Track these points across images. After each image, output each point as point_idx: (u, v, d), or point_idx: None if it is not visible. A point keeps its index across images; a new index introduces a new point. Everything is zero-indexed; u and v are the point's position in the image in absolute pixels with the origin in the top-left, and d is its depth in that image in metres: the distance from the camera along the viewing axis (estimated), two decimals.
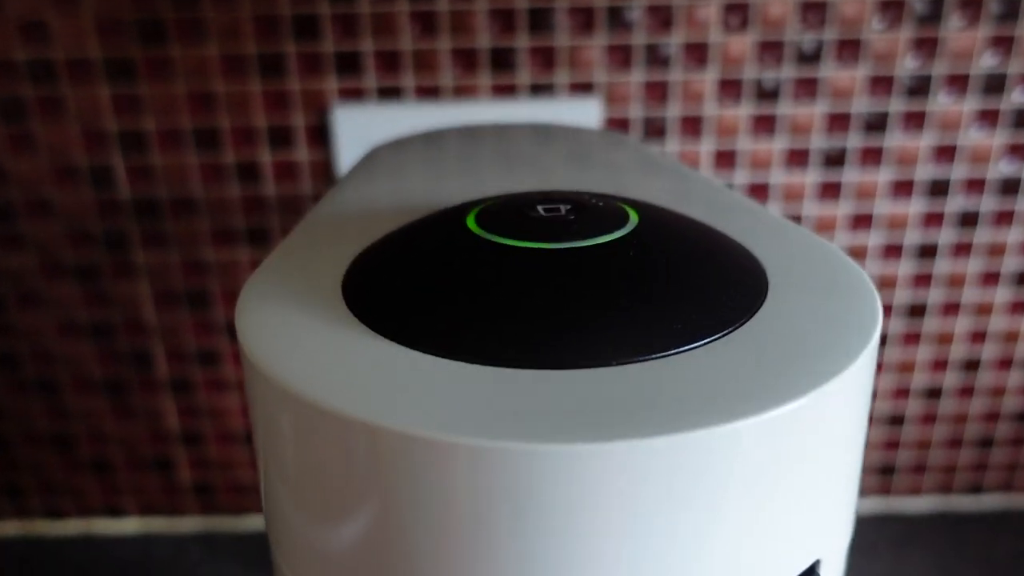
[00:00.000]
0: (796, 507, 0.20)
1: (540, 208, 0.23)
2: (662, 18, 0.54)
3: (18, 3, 0.52)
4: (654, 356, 0.19)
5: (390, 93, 0.55)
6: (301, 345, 0.19)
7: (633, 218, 0.23)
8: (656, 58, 0.55)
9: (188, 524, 0.69)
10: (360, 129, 0.56)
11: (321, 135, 0.56)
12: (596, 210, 0.23)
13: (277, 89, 0.55)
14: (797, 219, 0.59)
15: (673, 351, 0.19)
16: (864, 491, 0.69)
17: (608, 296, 0.20)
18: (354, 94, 0.55)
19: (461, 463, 0.17)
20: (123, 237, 0.59)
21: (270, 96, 0.55)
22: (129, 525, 0.69)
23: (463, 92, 0.55)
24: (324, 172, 0.57)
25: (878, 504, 0.69)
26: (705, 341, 0.20)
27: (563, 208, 0.23)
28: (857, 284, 0.23)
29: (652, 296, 0.20)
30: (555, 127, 0.45)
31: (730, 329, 0.20)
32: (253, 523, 0.69)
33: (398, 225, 0.26)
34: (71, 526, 0.69)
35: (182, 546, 0.67)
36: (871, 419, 0.66)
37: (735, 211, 0.29)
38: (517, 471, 0.17)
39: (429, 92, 0.55)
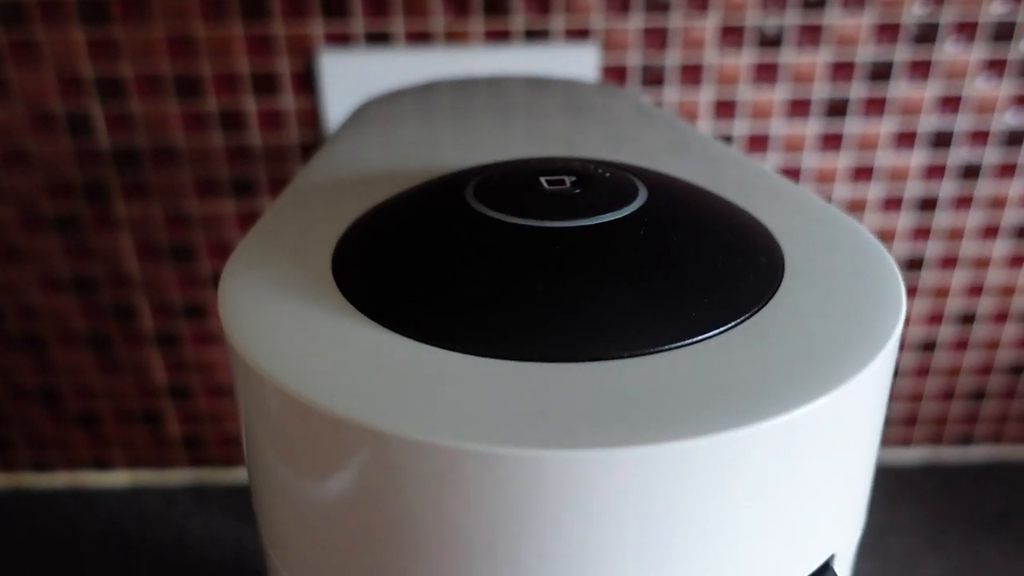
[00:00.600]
0: (811, 506, 0.19)
1: (543, 180, 0.22)
2: None
3: None
4: (666, 348, 0.18)
5: (379, 38, 0.53)
6: (291, 336, 0.18)
7: (642, 192, 0.22)
8: (656, 3, 0.52)
9: (177, 476, 0.68)
10: (348, 76, 0.53)
11: (307, 82, 0.54)
12: (603, 182, 0.22)
13: (260, 33, 0.52)
14: (797, 170, 0.58)
15: (685, 342, 0.18)
16: None
17: (617, 282, 0.19)
18: (341, 39, 0.53)
19: (465, 468, 0.16)
20: (103, 188, 0.57)
21: (253, 41, 0.53)
22: (118, 478, 0.68)
23: (455, 38, 0.53)
24: (311, 121, 0.55)
25: None
26: (719, 330, 0.19)
27: (568, 180, 0.22)
28: (879, 267, 0.21)
29: (663, 281, 0.19)
30: (552, 81, 0.43)
31: (745, 317, 0.19)
32: (243, 475, 0.68)
33: (391, 194, 0.25)
34: (59, 479, 0.68)
35: (172, 498, 0.67)
36: None
37: (745, 179, 0.27)
38: (523, 477, 0.16)
39: (419, 38, 0.53)
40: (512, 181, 0.22)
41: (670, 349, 0.18)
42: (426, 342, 0.18)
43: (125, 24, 0.52)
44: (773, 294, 0.20)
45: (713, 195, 0.24)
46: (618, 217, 0.20)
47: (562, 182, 0.22)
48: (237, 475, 0.68)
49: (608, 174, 0.23)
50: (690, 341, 0.18)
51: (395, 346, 0.18)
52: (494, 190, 0.22)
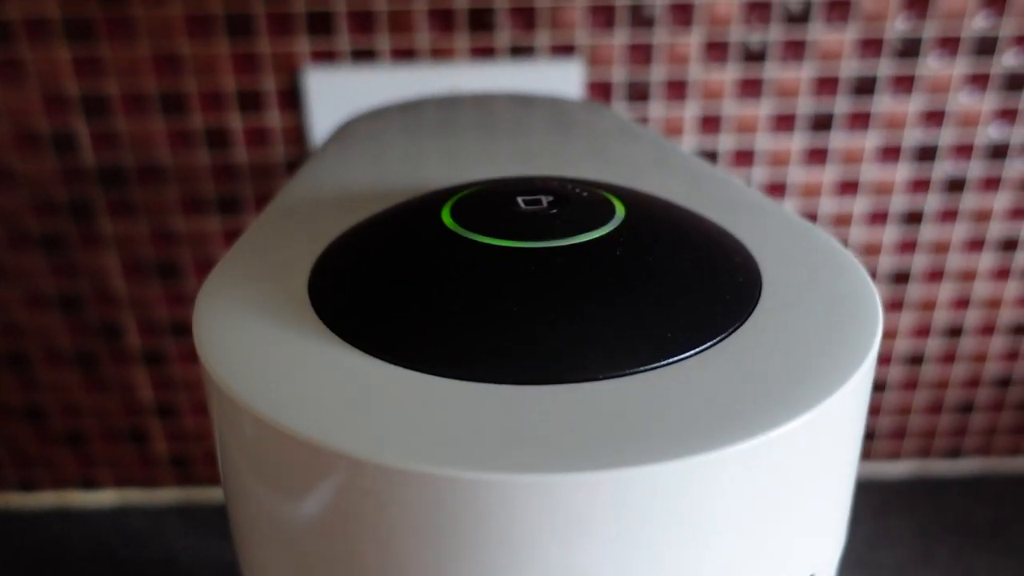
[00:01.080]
0: (790, 526, 0.19)
1: (520, 200, 0.22)
2: None
3: None
4: (641, 370, 0.18)
5: (364, 55, 0.53)
6: (265, 360, 0.18)
7: (619, 211, 0.22)
8: (640, 19, 0.53)
9: (165, 496, 0.68)
10: (333, 93, 0.54)
11: (293, 99, 0.54)
12: (580, 202, 0.22)
13: (246, 51, 0.53)
14: (782, 185, 0.58)
15: (661, 363, 0.18)
16: None
17: (592, 303, 0.19)
18: (326, 56, 0.53)
19: (440, 493, 0.16)
20: (89, 206, 0.57)
21: (239, 58, 0.53)
22: (105, 497, 0.68)
23: (440, 55, 0.53)
24: (297, 138, 0.55)
25: (858, 469, 0.70)
26: (695, 351, 0.18)
27: (545, 200, 0.22)
28: (856, 285, 0.22)
29: (639, 301, 0.19)
30: (537, 98, 0.43)
31: (722, 337, 0.19)
32: None
33: (371, 214, 0.25)
34: (45, 499, 0.67)
35: (159, 518, 0.66)
36: None
37: (726, 197, 0.27)
38: (499, 501, 0.16)
39: (405, 55, 0.53)
40: (489, 201, 0.22)
41: (645, 371, 0.18)
42: (402, 365, 0.18)
43: (110, 42, 0.52)
44: (750, 314, 0.20)
45: (691, 213, 0.24)
46: (594, 237, 0.20)
47: (539, 202, 0.22)
48: (221, 493, 0.68)
49: (585, 193, 0.23)
50: (665, 363, 0.18)
51: (371, 370, 0.18)
52: (471, 210, 0.22)
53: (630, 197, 0.23)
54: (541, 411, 0.17)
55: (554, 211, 0.21)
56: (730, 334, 0.19)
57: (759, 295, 0.21)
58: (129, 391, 0.63)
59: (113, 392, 0.63)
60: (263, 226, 0.25)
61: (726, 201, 0.27)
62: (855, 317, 0.20)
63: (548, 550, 0.16)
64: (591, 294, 0.19)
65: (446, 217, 0.21)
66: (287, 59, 0.53)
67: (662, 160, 0.32)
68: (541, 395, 0.17)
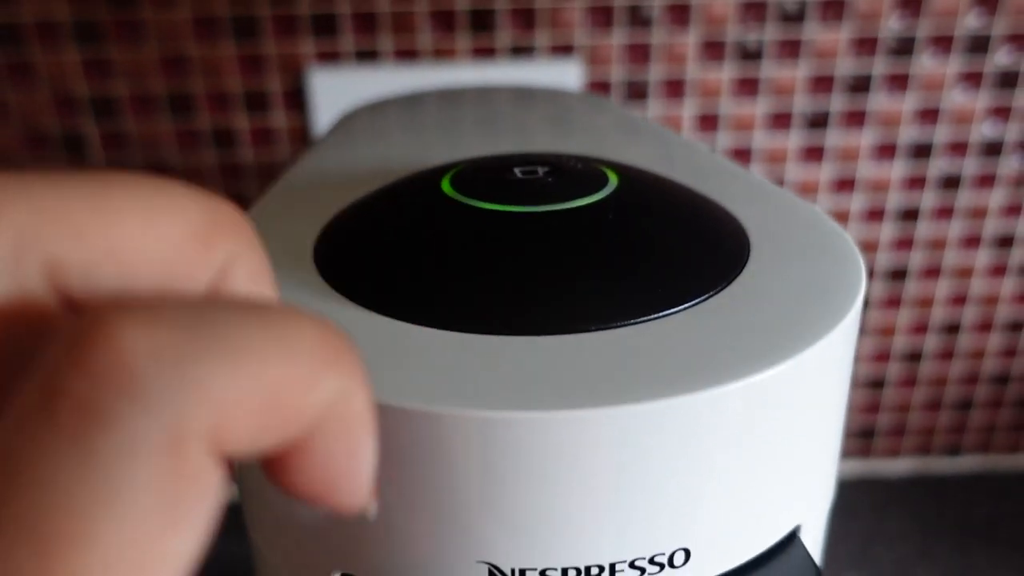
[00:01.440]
0: (777, 473, 0.19)
1: (517, 171, 0.23)
2: None
3: None
4: (635, 321, 0.19)
5: (368, 56, 0.54)
6: None
7: (613, 180, 0.22)
8: (638, 19, 0.54)
9: None
10: (338, 93, 0.55)
11: (298, 100, 0.55)
12: (575, 172, 0.23)
13: (252, 52, 0.54)
14: (780, 183, 0.59)
15: (654, 316, 0.19)
16: (844, 453, 0.70)
17: (587, 261, 0.20)
18: (331, 57, 0.54)
19: (446, 432, 0.17)
20: None
21: (245, 60, 0.54)
22: None
23: (442, 55, 0.54)
24: (302, 138, 0.56)
25: (858, 466, 0.70)
26: (686, 305, 0.19)
27: (541, 170, 0.23)
28: (840, 247, 0.22)
29: (632, 260, 0.20)
30: (536, 89, 0.44)
31: (711, 293, 0.20)
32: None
33: (372, 189, 0.26)
34: None
35: None
36: (852, 383, 0.67)
37: (716, 173, 0.28)
38: (503, 439, 0.17)
39: (407, 55, 0.54)
40: (487, 172, 0.23)
41: (641, 322, 0.19)
42: (404, 320, 0.19)
43: (119, 44, 0.53)
44: (738, 273, 0.21)
45: (680, 184, 0.25)
46: (588, 202, 0.21)
47: (535, 172, 0.23)
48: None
49: (580, 165, 0.23)
50: (660, 314, 0.19)
51: (373, 324, 0.19)
52: (469, 180, 0.22)
53: (623, 169, 0.24)
54: (543, 358, 0.18)
55: (549, 180, 0.22)
56: (719, 291, 0.20)
57: (748, 255, 0.22)
58: None
59: None
60: (268, 202, 0.26)
61: (713, 174, 0.28)
62: (839, 275, 0.21)
63: (549, 484, 0.17)
64: (585, 254, 0.20)
65: (446, 186, 0.22)
66: (292, 60, 0.54)
67: (655, 140, 0.33)
68: (543, 344, 0.18)
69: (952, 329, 0.65)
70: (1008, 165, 0.59)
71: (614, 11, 0.53)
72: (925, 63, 0.56)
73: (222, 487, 0.12)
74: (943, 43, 0.55)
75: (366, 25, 0.53)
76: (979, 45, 0.55)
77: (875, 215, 0.60)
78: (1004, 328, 0.64)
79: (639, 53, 0.55)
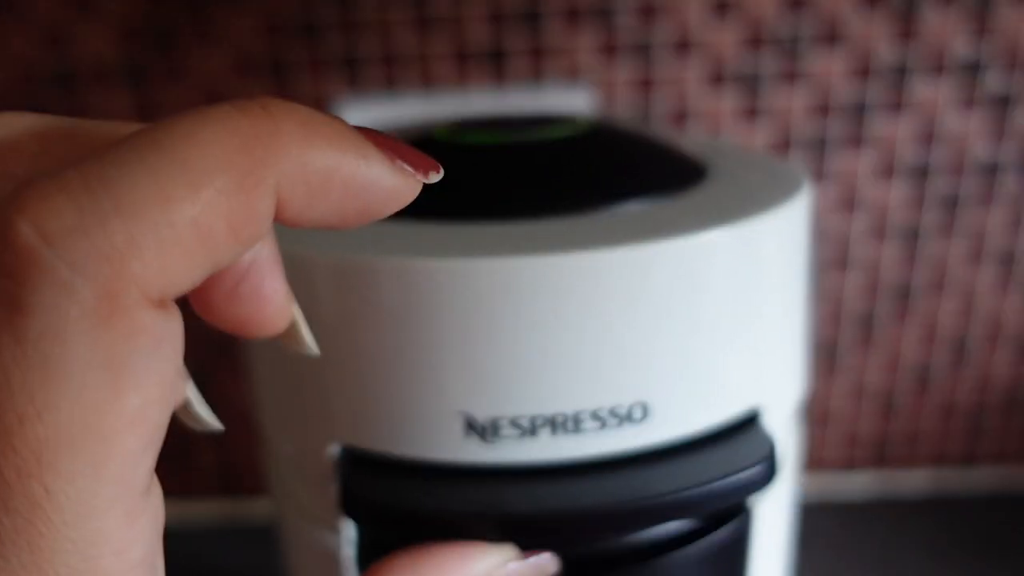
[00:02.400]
0: (731, 341, 0.23)
1: (505, 119, 0.27)
2: (647, 11, 0.57)
3: (42, 14, 0.56)
4: (599, 208, 0.22)
5: (391, 88, 0.59)
6: None
7: (585, 123, 0.27)
8: (642, 52, 0.57)
9: (211, 508, 0.73)
10: (363, 121, 0.59)
11: None
12: (551, 119, 0.27)
13: (283, 89, 0.58)
14: None
15: (616, 204, 0.23)
16: (857, 465, 0.72)
17: (559, 171, 0.24)
18: (357, 90, 0.59)
19: (419, 282, 0.21)
20: None
21: (279, 96, 0.58)
22: None
23: (458, 84, 0.59)
24: None
25: (871, 479, 0.72)
26: (645, 199, 0.23)
27: (526, 118, 0.27)
28: (788, 168, 0.26)
29: (597, 170, 0.24)
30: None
31: (671, 194, 0.24)
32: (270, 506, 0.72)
33: None
34: None
35: (205, 528, 0.71)
36: (861, 394, 0.69)
37: (682, 135, 0.33)
38: (472, 286, 0.20)
39: (427, 85, 0.59)
40: (473, 123, 0.27)
41: (600, 209, 0.22)
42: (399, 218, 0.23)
43: (165, 86, 0.58)
44: (701, 181, 0.25)
45: (646, 130, 0.29)
46: (563, 135, 0.25)
47: (520, 119, 0.27)
48: (264, 506, 0.72)
49: (564, 116, 0.28)
50: (617, 204, 0.23)
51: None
52: (457, 129, 0.27)
53: (598, 118, 0.28)
54: (514, 232, 0.21)
55: (533, 122, 0.26)
56: (677, 194, 0.24)
57: (705, 175, 0.25)
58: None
59: None
60: None
61: (681, 135, 0.33)
62: (785, 181, 0.25)
63: (512, 333, 0.21)
64: (560, 165, 0.24)
65: (439, 132, 0.26)
66: (321, 94, 0.59)
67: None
68: (526, 224, 0.22)
69: (960, 343, 0.66)
70: (1006, 184, 0.61)
71: (618, 48, 0.57)
72: (919, 88, 0.58)
73: (174, 333, 0.12)
74: (935, 68, 0.58)
75: (390, 63, 0.58)
76: (971, 69, 0.58)
77: (878, 234, 0.63)
78: (1012, 342, 0.66)
79: (643, 83, 0.58)
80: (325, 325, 0.22)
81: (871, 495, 0.71)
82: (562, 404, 0.22)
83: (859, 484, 0.72)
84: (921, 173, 0.61)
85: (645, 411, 0.22)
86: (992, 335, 0.66)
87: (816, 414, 0.70)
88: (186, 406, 0.17)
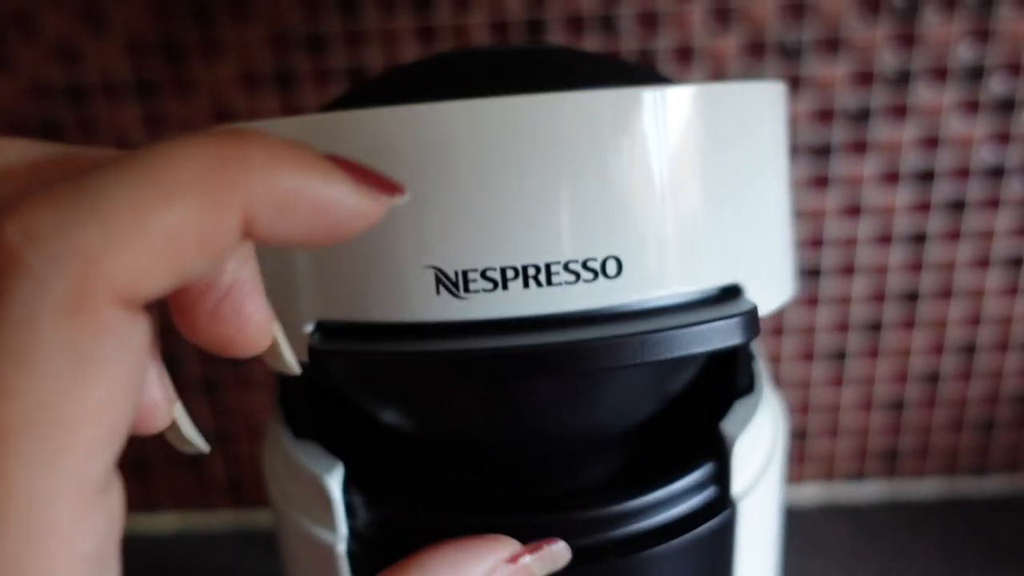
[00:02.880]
0: (706, 203, 0.23)
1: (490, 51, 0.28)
2: (649, 23, 0.57)
3: (54, 31, 0.57)
4: (570, 88, 0.23)
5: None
6: None
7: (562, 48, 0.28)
8: (645, 62, 0.58)
9: (221, 519, 0.73)
10: None
11: None
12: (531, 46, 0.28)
13: (289, 104, 0.59)
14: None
15: (593, 87, 0.23)
16: (868, 475, 0.71)
17: (531, 69, 0.25)
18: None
19: (387, 129, 0.22)
20: None
21: (286, 112, 0.59)
22: (166, 521, 0.73)
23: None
24: None
25: (882, 488, 0.71)
26: (610, 86, 0.24)
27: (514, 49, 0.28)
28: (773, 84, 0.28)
29: (572, 72, 0.25)
30: None
31: (635, 83, 0.25)
32: None
33: None
34: None
35: (215, 540, 0.71)
36: (871, 404, 0.68)
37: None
38: (438, 130, 0.21)
39: None
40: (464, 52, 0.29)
41: (571, 89, 0.23)
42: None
43: (174, 99, 0.59)
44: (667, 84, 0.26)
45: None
46: (534, 47, 0.26)
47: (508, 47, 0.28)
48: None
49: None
50: (598, 88, 0.23)
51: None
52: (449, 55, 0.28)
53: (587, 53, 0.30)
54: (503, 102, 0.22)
55: (519, 47, 0.27)
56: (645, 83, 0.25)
57: (673, 82, 0.26)
58: (189, 418, 0.69)
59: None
60: None
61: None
62: (759, 87, 0.25)
63: (480, 180, 0.21)
64: (531, 67, 0.25)
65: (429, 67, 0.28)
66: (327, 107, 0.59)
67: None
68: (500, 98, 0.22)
69: (969, 349, 0.66)
70: (1011, 188, 0.61)
71: (620, 54, 0.58)
72: (922, 93, 0.58)
73: (140, 338, 0.13)
74: (939, 73, 0.58)
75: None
76: (974, 74, 0.58)
77: (884, 240, 0.63)
78: (1022, 348, 0.66)
79: None
80: None
81: (882, 502, 0.70)
82: (532, 255, 0.22)
83: (870, 492, 0.71)
84: (926, 178, 0.61)
85: (620, 266, 0.22)
86: (1002, 341, 0.66)
87: (826, 424, 0.69)
88: (175, 427, 0.18)
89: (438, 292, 0.22)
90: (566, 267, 0.22)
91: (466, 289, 0.22)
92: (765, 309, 0.26)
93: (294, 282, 0.24)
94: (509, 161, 0.21)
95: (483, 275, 0.22)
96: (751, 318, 0.23)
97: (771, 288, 0.26)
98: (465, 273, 0.22)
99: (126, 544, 0.66)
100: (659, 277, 0.23)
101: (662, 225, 0.22)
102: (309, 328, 0.25)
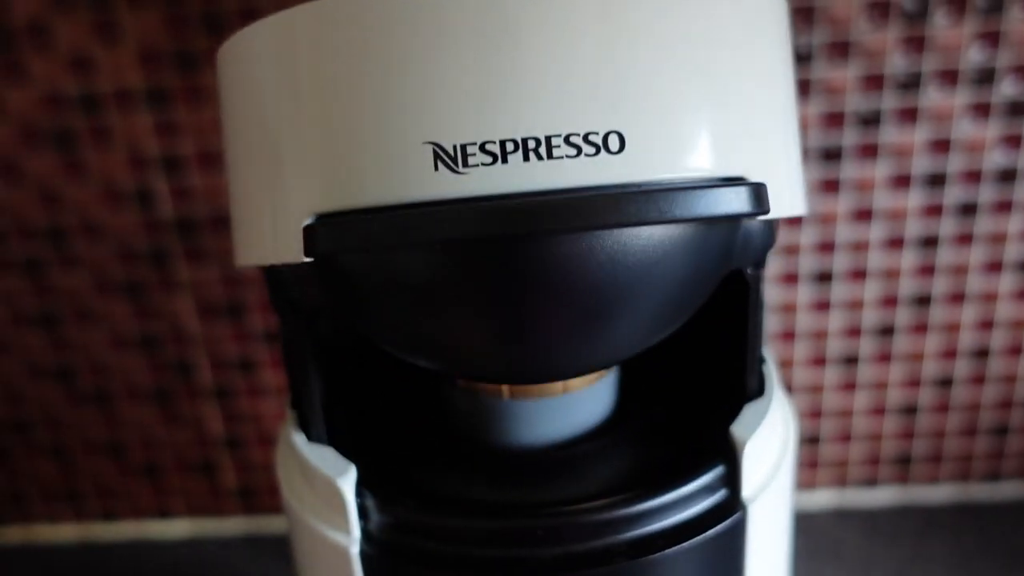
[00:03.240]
0: (709, 85, 0.23)
1: None
2: None
3: (66, 40, 0.58)
4: None
5: None
6: None
7: None
8: None
9: (233, 525, 0.73)
10: None
11: None
12: None
13: None
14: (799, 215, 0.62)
15: None
16: (881, 481, 0.71)
17: None
18: None
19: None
20: (167, 254, 0.63)
21: None
22: (178, 527, 0.73)
23: None
24: None
25: (895, 494, 0.71)
26: None
27: None
28: None
29: None
30: None
31: None
32: None
33: None
34: (125, 528, 0.73)
35: (227, 546, 0.71)
36: (883, 409, 0.68)
37: None
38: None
39: None
40: None
41: None
42: None
43: (185, 107, 0.59)
44: None
45: None
46: None
47: None
48: (283, 523, 0.73)
49: None
50: None
51: None
52: None
53: None
54: None
55: None
56: None
57: None
58: (200, 424, 0.69)
59: (186, 426, 0.69)
60: None
61: None
62: None
63: (476, 50, 0.21)
64: None
65: None
66: None
67: None
68: None
69: (982, 354, 0.66)
70: (1023, 191, 0.61)
71: None
72: (933, 96, 0.58)
73: None
74: (949, 76, 0.58)
75: None
76: (985, 77, 0.58)
77: (895, 243, 0.63)
78: None
79: None
80: (289, 84, 0.22)
81: (895, 507, 0.70)
82: (532, 127, 0.21)
83: (883, 498, 0.71)
84: (937, 182, 0.61)
85: (622, 142, 0.22)
86: (1015, 345, 0.65)
87: (838, 430, 0.69)
88: None
89: (436, 168, 0.22)
90: (567, 140, 0.21)
91: (464, 164, 0.21)
92: (774, 213, 0.25)
93: (285, 176, 0.23)
94: (506, 30, 0.20)
95: (482, 148, 0.21)
96: (760, 190, 0.22)
97: (779, 192, 0.25)
98: (464, 147, 0.21)
99: (139, 550, 0.67)
100: (663, 157, 0.22)
101: (666, 104, 0.22)
102: (307, 222, 0.24)
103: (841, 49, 0.57)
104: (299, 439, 0.33)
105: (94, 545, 0.72)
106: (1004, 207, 0.61)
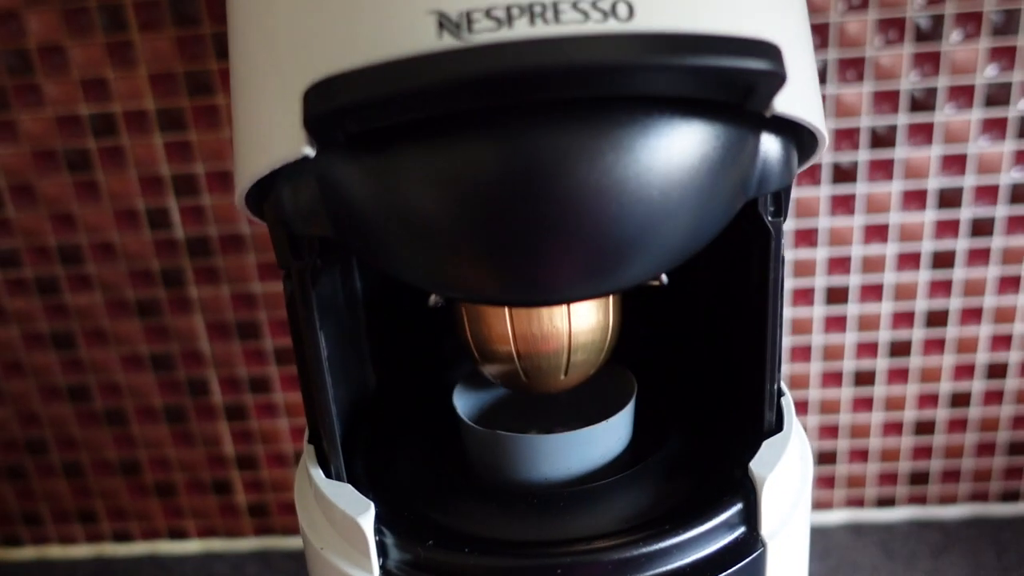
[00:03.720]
0: None
1: None
2: None
3: (80, 63, 0.58)
4: None
5: None
6: None
7: None
8: None
9: (245, 544, 0.73)
10: None
11: None
12: None
13: None
14: (814, 231, 0.61)
15: None
16: (897, 499, 0.70)
17: None
18: None
19: None
20: (179, 274, 0.63)
21: None
22: (191, 547, 0.73)
23: None
24: None
25: (912, 512, 0.70)
26: None
27: None
28: None
29: None
30: None
31: None
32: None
33: None
34: (138, 548, 0.73)
35: (239, 565, 0.71)
36: (899, 427, 0.68)
37: None
38: None
39: None
40: None
41: None
42: None
43: (198, 129, 0.59)
44: None
45: None
46: None
47: None
48: (297, 542, 0.73)
49: None
50: None
51: None
52: None
53: None
54: None
55: None
56: None
57: None
58: (213, 444, 0.69)
59: (198, 445, 0.69)
60: None
61: None
62: None
63: None
64: None
65: None
66: None
67: None
68: None
69: (998, 370, 0.65)
70: None
71: None
72: (947, 113, 0.58)
73: None
74: (963, 95, 0.57)
75: None
76: (1000, 94, 0.57)
77: (910, 260, 0.62)
78: None
79: None
80: None
81: (912, 524, 0.69)
82: None
83: (899, 516, 0.70)
84: (952, 199, 0.60)
85: (631, 10, 0.21)
86: None
87: (853, 448, 0.69)
88: None
89: (440, 37, 0.21)
90: (574, 6, 0.21)
91: (469, 30, 0.21)
92: (788, 109, 0.24)
93: (284, 60, 0.23)
94: None
95: (487, 14, 0.21)
96: (774, 49, 0.21)
97: (798, 100, 0.24)
98: (468, 13, 0.21)
99: (151, 569, 0.67)
100: (675, 12, 0.21)
101: None
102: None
103: (855, 65, 0.57)
104: (318, 475, 0.33)
105: (107, 561, 0.72)
106: (1019, 224, 0.61)
